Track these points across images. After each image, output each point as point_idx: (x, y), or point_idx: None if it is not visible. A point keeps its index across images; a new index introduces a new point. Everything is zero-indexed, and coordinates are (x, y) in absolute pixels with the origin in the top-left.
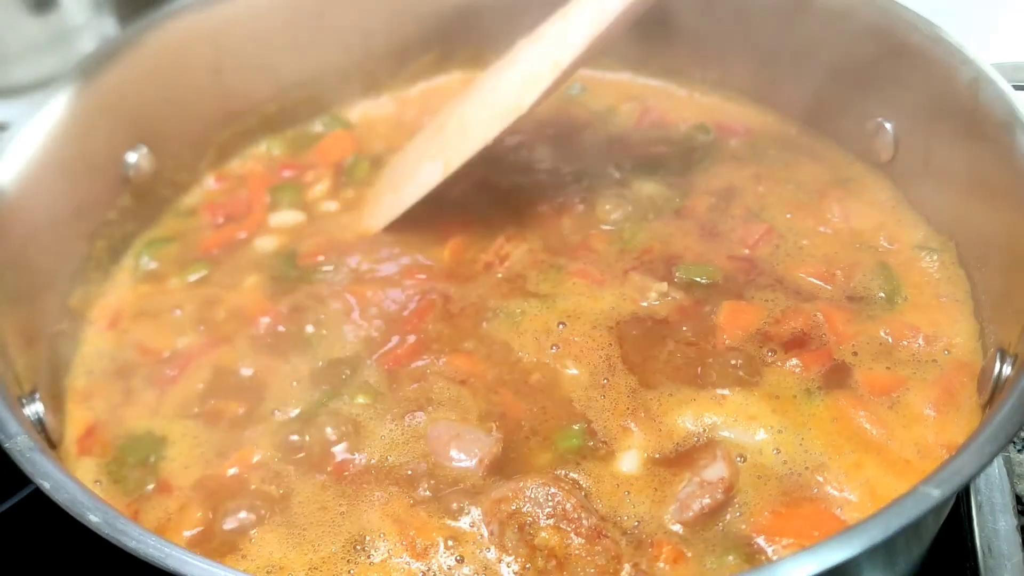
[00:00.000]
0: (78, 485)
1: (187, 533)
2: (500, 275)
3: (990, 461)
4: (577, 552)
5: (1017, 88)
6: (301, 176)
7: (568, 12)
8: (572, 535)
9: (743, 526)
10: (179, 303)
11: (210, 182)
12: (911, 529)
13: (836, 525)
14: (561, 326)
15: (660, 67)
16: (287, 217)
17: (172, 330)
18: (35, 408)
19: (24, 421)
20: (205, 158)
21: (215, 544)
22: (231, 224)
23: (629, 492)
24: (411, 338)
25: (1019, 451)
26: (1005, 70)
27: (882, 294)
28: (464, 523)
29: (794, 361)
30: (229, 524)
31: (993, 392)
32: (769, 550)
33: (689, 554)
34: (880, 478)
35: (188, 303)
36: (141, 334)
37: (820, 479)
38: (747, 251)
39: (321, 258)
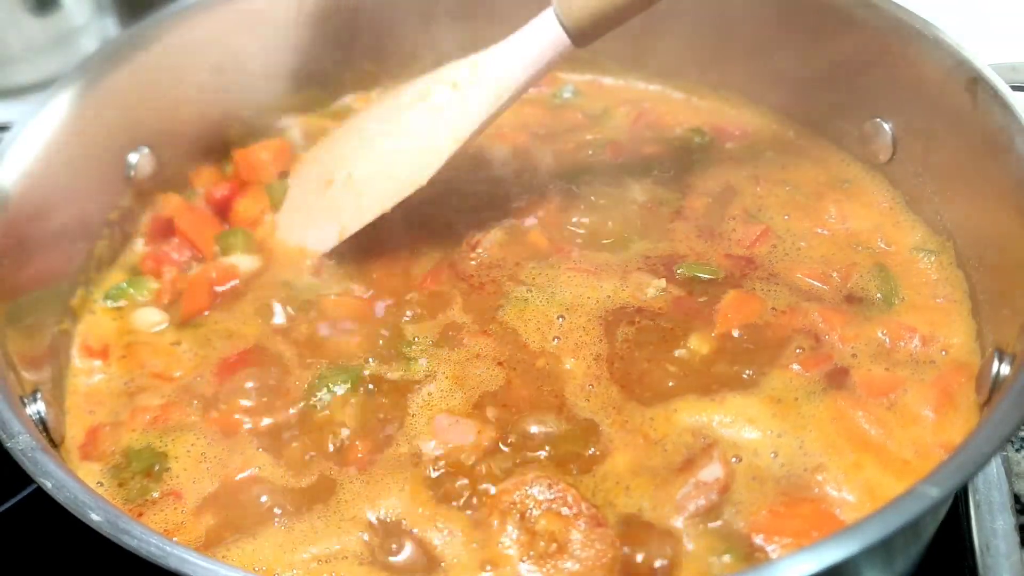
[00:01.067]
0: (80, 484)
1: (192, 537)
2: (474, 262)
3: (988, 460)
4: (577, 537)
5: (1015, 89)
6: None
7: (461, 85)
8: (572, 520)
9: (741, 525)
10: (179, 339)
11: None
12: (910, 528)
13: (835, 525)
14: (560, 318)
15: (655, 71)
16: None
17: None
18: (37, 408)
19: (26, 420)
20: (207, 159)
21: (220, 546)
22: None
23: (629, 488)
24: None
25: (1017, 450)
26: (1003, 71)
27: (879, 295)
28: (465, 512)
29: (795, 365)
30: (237, 526)
31: (991, 392)
32: (768, 549)
33: (686, 552)
34: (879, 478)
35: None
36: (143, 354)
37: (819, 479)
38: (745, 251)
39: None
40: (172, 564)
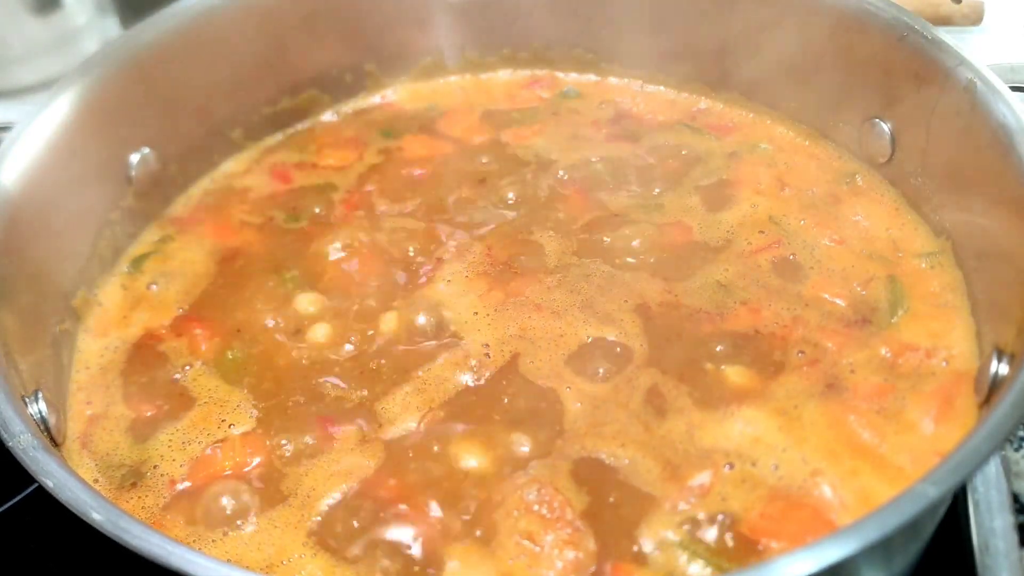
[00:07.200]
0: (81, 484)
1: (183, 526)
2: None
3: (987, 459)
4: (555, 537)
5: (1013, 89)
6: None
7: None
8: (555, 524)
9: (733, 531)
10: None
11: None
12: (908, 527)
13: (830, 529)
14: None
15: (655, 70)
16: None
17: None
18: (38, 407)
19: (27, 420)
20: (208, 160)
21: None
22: None
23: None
24: None
25: (1016, 449)
26: (1002, 71)
27: (882, 300)
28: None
29: (796, 371)
30: (227, 513)
31: (990, 391)
32: (762, 551)
33: (671, 551)
34: (875, 485)
35: None
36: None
37: (815, 485)
38: (742, 255)
39: None
40: (174, 563)
